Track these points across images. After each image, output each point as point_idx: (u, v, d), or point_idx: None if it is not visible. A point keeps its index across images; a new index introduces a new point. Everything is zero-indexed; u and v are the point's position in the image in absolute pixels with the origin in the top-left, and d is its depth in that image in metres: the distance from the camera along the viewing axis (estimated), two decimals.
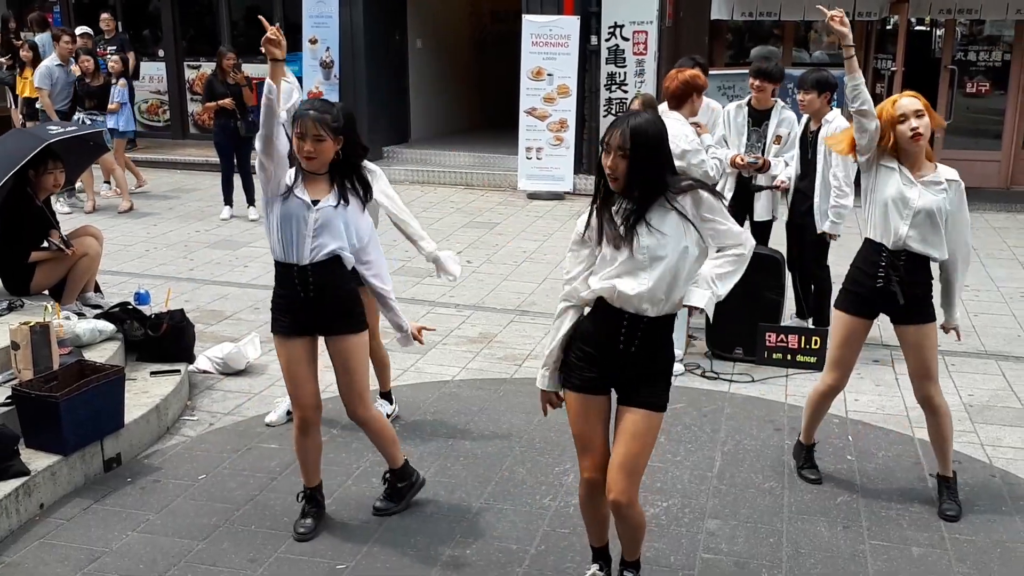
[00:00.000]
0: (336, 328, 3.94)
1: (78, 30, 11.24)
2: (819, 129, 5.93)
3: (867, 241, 4.21)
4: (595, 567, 3.65)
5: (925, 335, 4.17)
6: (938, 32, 12.65)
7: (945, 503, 4.24)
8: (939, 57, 11.99)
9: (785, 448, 4.86)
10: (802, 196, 6.16)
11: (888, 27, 11.84)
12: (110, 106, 10.97)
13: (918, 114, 3.95)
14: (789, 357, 5.95)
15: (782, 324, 6.17)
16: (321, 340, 4.02)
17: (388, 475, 4.27)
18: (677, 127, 5.58)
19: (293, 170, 3.84)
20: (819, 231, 5.99)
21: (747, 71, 6.62)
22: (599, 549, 3.65)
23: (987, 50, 11.74)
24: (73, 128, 7.31)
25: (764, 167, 6.31)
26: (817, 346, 5.93)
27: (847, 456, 4.79)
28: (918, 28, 13.29)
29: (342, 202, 3.83)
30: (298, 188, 3.80)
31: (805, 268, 6.33)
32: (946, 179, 4.08)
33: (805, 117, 6.15)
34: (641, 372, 3.26)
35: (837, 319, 4.31)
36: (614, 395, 3.35)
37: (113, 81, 10.91)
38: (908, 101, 3.99)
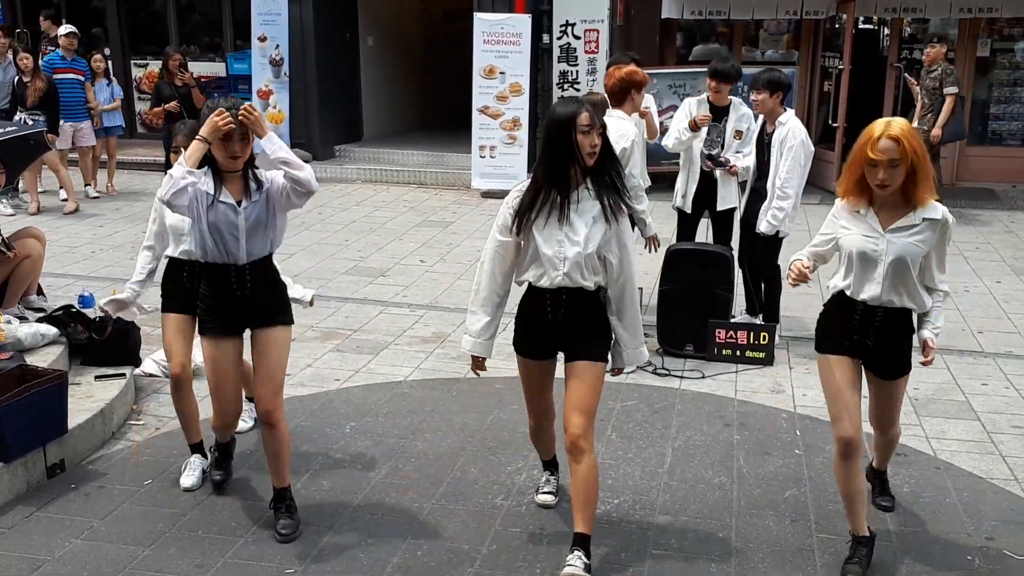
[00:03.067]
0: (270, 320, 3.98)
1: (62, 29, 10.96)
2: (774, 131, 5.98)
3: (838, 294, 3.75)
4: (547, 474, 4.33)
5: (898, 387, 3.88)
6: (885, 30, 12.85)
7: (880, 496, 4.29)
8: (886, 55, 12.18)
9: (734, 443, 4.90)
10: (756, 195, 6.20)
11: (836, 25, 12.00)
12: (111, 104, 10.89)
13: (892, 164, 3.41)
14: (739, 353, 6.01)
15: (732, 320, 6.23)
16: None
17: (277, 496, 4.08)
18: (619, 124, 5.62)
19: (206, 177, 3.82)
20: (756, 230, 6.07)
21: (697, 70, 6.66)
22: (549, 461, 4.33)
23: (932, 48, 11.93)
24: (14, 128, 7.17)
25: (716, 166, 6.33)
26: (766, 342, 5.99)
27: (795, 450, 4.84)
28: (865, 26, 13.49)
29: (262, 195, 3.88)
30: (221, 194, 3.82)
31: (757, 265, 6.39)
32: (924, 218, 3.56)
33: (760, 118, 6.18)
34: (577, 335, 3.72)
35: (820, 364, 3.83)
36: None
37: (107, 82, 11.11)
38: (886, 145, 3.41)
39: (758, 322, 6.30)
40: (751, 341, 6.01)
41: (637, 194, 5.66)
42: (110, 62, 13.56)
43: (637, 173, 5.68)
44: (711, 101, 6.44)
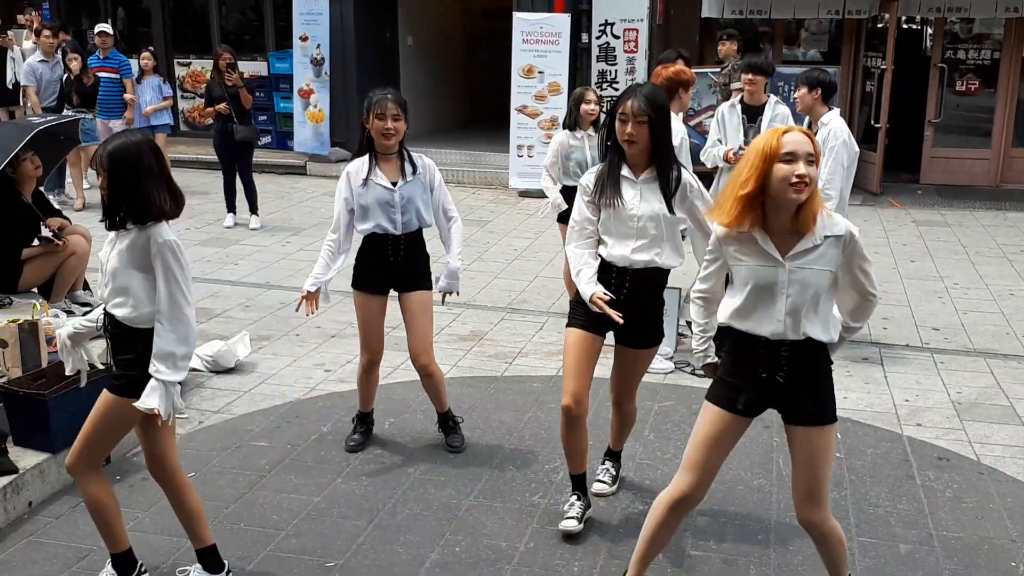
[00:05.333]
0: (415, 284, 4.57)
1: (95, 28, 11.13)
2: (817, 131, 5.91)
3: (730, 331, 3.20)
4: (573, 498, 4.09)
5: (826, 441, 3.18)
6: (928, 30, 12.69)
7: None
8: (929, 55, 12.03)
9: (774, 445, 4.87)
10: None
11: (879, 25, 11.87)
12: (160, 104, 11.12)
13: (811, 159, 2.91)
14: None
15: None
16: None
17: (440, 418, 4.87)
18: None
19: (363, 160, 4.47)
20: None
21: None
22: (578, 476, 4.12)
23: (976, 48, 11.78)
24: (54, 118, 7.29)
25: None
26: None
27: (836, 453, 4.80)
28: (908, 26, 13.33)
29: (415, 174, 4.47)
30: (375, 176, 4.43)
31: None
32: (825, 236, 3.00)
33: (806, 118, 6.12)
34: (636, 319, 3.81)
35: (702, 412, 3.33)
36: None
37: (163, 79, 11.39)
38: (797, 138, 2.93)
39: None
40: None
41: None
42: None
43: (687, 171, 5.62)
44: (745, 101, 6.40)
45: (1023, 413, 5.31)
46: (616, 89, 11.06)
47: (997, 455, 4.82)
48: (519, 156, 11.49)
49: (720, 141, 6.47)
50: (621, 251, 3.78)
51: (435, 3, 14.10)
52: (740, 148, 6.28)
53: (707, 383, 5.46)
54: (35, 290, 6.07)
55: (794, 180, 2.88)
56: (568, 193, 6.08)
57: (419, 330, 4.58)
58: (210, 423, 5.13)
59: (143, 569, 3.64)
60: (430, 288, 4.65)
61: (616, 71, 11.18)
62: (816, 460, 3.15)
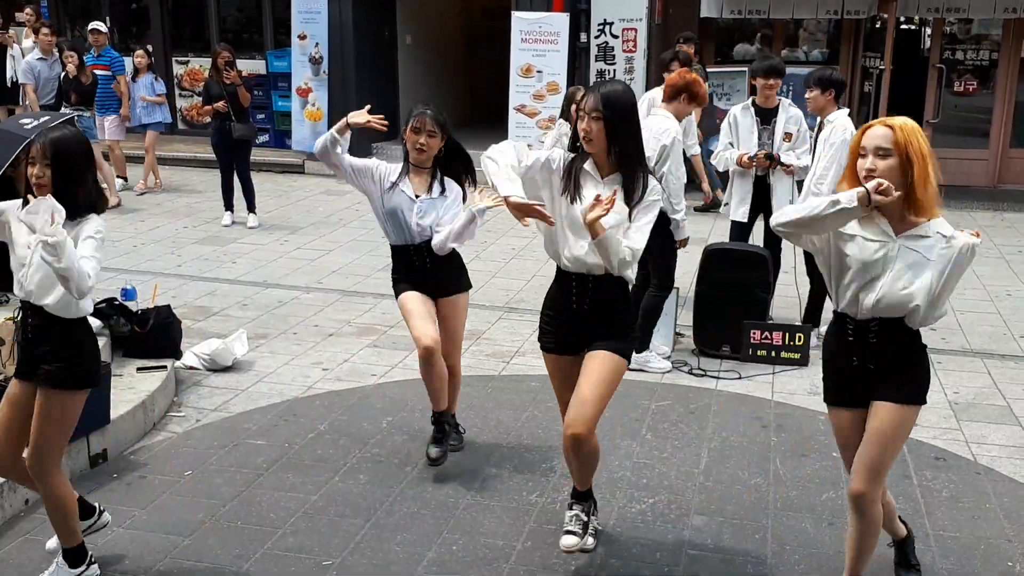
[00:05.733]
0: (446, 289, 4.60)
1: (91, 25, 11.11)
2: (822, 130, 5.91)
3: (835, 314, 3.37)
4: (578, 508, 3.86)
5: (901, 419, 3.25)
6: (926, 30, 12.70)
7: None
8: (927, 56, 12.04)
9: (771, 445, 4.88)
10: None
11: (877, 25, 11.88)
12: (154, 98, 11.15)
13: (880, 152, 3.10)
14: (774, 354, 5.97)
15: (768, 322, 6.18)
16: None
17: (446, 418, 4.66)
18: (662, 122, 5.60)
19: (398, 166, 4.51)
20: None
21: (733, 69, 6.60)
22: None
23: (975, 49, 11.79)
24: (46, 117, 7.27)
25: (772, 164, 6.21)
26: (801, 343, 5.95)
27: (833, 453, 4.80)
28: (906, 27, 13.34)
29: (442, 195, 4.48)
30: (403, 183, 4.46)
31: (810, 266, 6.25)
32: (936, 232, 3.25)
33: (818, 117, 6.09)
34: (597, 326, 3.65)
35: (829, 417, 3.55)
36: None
37: (155, 77, 11.38)
38: (873, 132, 3.15)
39: (797, 323, 6.26)
40: (786, 342, 5.97)
41: (677, 194, 5.62)
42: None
43: (678, 172, 5.61)
44: (758, 103, 6.35)
45: (1020, 413, 5.32)
46: None
47: (994, 455, 4.82)
48: None
49: (732, 144, 6.43)
50: (577, 252, 3.57)
51: (434, 1, 14.09)
52: (754, 154, 6.24)
53: (705, 383, 5.46)
54: None
55: (863, 174, 3.12)
56: None
57: (449, 331, 4.65)
58: (207, 421, 5.13)
59: (93, 559, 3.65)
60: (463, 290, 4.68)
61: (615, 71, 11.18)
62: (890, 436, 3.24)
